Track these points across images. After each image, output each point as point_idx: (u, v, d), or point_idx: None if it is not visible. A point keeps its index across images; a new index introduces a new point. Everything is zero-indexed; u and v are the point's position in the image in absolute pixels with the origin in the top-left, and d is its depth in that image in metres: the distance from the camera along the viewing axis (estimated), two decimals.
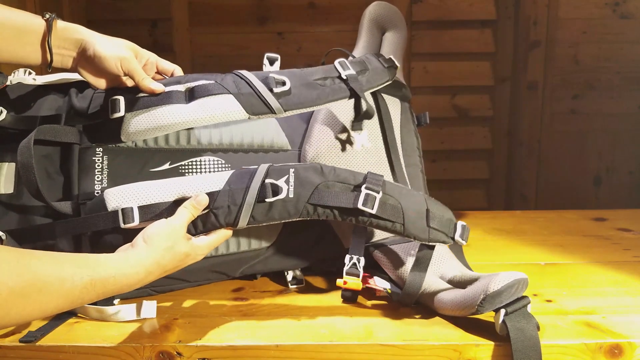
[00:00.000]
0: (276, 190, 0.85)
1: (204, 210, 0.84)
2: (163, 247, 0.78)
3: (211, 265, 0.96)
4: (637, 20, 2.21)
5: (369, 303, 0.92)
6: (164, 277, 0.93)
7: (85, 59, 0.88)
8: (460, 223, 0.91)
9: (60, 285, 0.64)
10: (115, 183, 0.90)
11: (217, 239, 0.85)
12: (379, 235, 1.00)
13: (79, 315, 0.88)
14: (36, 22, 0.86)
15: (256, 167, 0.88)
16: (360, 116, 0.99)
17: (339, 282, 0.91)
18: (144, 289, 0.94)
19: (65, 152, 0.91)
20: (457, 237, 0.90)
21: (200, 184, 0.86)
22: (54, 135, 0.89)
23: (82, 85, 0.98)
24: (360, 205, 0.85)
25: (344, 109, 1.05)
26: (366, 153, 1.02)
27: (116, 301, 0.91)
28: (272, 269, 0.99)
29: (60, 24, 0.87)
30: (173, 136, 0.95)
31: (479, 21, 2.22)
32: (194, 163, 0.94)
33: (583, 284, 0.99)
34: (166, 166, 0.93)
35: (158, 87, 0.91)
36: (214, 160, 0.95)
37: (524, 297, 0.81)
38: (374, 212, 0.86)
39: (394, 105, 1.11)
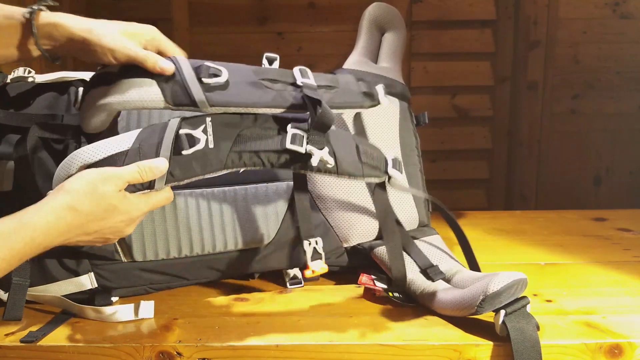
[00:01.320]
0: (193, 141, 0.77)
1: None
2: (82, 191, 0.71)
3: (209, 262, 0.96)
4: (637, 20, 2.21)
5: (369, 303, 0.92)
6: (160, 274, 0.93)
7: (76, 50, 0.82)
8: (390, 157, 0.88)
9: None
10: None
11: (158, 199, 0.78)
12: (377, 234, 1.00)
13: (77, 315, 0.88)
14: (17, 20, 0.78)
15: (163, 122, 0.79)
16: (313, 124, 0.82)
17: (308, 273, 0.89)
18: (141, 287, 0.94)
19: (64, 150, 0.92)
20: (389, 170, 0.86)
21: (105, 147, 0.77)
22: (51, 132, 0.89)
23: (85, 83, 0.98)
24: (288, 145, 0.79)
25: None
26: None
27: (115, 299, 0.92)
28: (271, 267, 0.99)
29: (43, 19, 0.78)
30: None
31: (479, 21, 2.22)
32: None
33: (583, 284, 0.99)
34: None
35: (167, 67, 0.80)
36: None
37: (523, 297, 0.81)
38: (304, 150, 0.80)
39: (392, 105, 1.11)
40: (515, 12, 2.22)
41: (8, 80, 0.97)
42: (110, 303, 0.90)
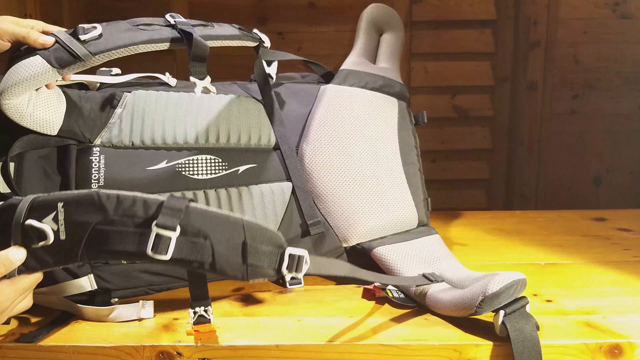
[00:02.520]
0: (41, 235, 0.68)
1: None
2: None
3: None
4: (637, 20, 2.21)
5: (369, 303, 0.92)
6: (160, 275, 0.93)
7: None
8: (289, 252, 0.70)
9: None
10: (111, 182, 0.91)
11: (28, 281, 0.71)
12: (377, 234, 1.00)
13: (77, 316, 0.88)
14: None
15: (20, 200, 0.70)
16: (191, 56, 0.87)
17: (189, 330, 0.82)
18: (140, 288, 0.94)
19: (62, 152, 0.92)
20: (283, 269, 0.70)
21: None
22: (44, 142, 0.90)
23: (81, 88, 0.99)
24: (149, 252, 0.66)
25: (343, 107, 1.05)
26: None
27: (114, 300, 0.92)
28: None
29: None
30: (169, 135, 0.96)
31: (479, 21, 2.22)
32: (191, 161, 0.95)
33: (583, 284, 0.99)
34: (163, 164, 0.94)
35: (47, 40, 0.84)
36: (211, 159, 0.96)
37: (522, 297, 0.81)
38: (168, 257, 0.66)
39: (391, 105, 1.11)
40: (515, 12, 2.22)
41: None
42: (110, 304, 0.89)
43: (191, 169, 0.95)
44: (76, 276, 0.89)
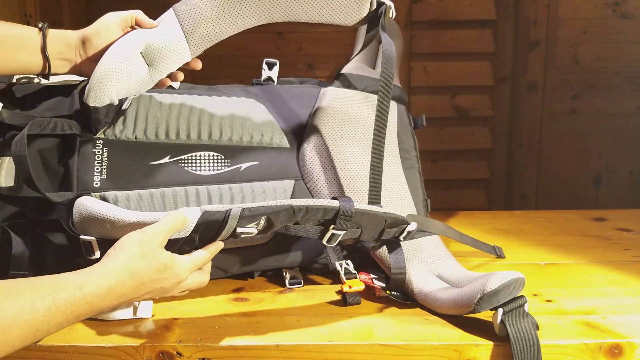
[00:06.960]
0: (247, 233, 0.83)
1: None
2: (135, 252, 0.73)
3: None
4: (637, 20, 2.22)
5: (369, 303, 0.92)
6: None
7: (87, 56, 0.90)
8: (408, 229, 0.92)
9: (18, 315, 0.62)
10: (114, 175, 0.91)
11: (205, 255, 0.82)
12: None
13: None
14: (33, 32, 0.89)
15: (228, 210, 0.80)
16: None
17: (345, 288, 0.91)
18: None
19: (65, 144, 0.92)
20: (401, 239, 0.93)
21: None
22: (52, 127, 0.90)
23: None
24: (325, 242, 0.88)
25: (343, 108, 1.06)
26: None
27: None
28: (270, 266, 1.00)
29: (52, 32, 0.89)
30: (173, 130, 0.96)
31: (479, 21, 2.23)
32: (194, 157, 0.96)
33: (583, 284, 0.99)
34: (166, 159, 0.94)
35: (151, 22, 0.94)
36: (213, 155, 0.97)
37: (520, 296, 0.81)
38: (335, 244, 0.89)
39: (390, 107, 1.12)
40: (515, 12, 2.22)
41: (14, 81, 0.98)
42: None
43: (194, 164, 0.95)
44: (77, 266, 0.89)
